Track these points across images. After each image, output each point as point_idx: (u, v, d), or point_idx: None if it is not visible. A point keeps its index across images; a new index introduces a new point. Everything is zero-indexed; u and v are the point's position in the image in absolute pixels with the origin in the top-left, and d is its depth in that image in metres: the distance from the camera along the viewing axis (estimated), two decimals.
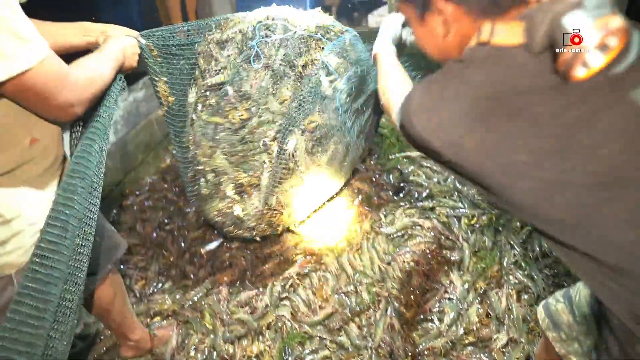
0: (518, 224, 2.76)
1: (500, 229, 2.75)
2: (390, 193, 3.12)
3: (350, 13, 5.44)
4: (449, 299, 2.45)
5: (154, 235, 3.00)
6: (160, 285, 2.71)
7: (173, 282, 2.72)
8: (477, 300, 2.40)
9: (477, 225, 2.80)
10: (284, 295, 2.49)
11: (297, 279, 2.56)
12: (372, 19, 5.05)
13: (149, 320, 2.48)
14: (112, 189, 3.22)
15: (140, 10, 5.66)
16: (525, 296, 2.39)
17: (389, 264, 2.65)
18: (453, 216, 2.87)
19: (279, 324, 2.36)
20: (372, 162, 3.43)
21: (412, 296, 2.48)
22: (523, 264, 2.52)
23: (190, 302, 2.54)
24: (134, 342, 2.20)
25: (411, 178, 3.23)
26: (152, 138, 3.65)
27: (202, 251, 2.80)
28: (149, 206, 3.23)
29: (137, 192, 3.38)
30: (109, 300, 1.97)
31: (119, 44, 1.62)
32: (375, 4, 5.52)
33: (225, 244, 2.86)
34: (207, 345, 2.31)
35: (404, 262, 2.65)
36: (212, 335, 2.35)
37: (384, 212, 2.97)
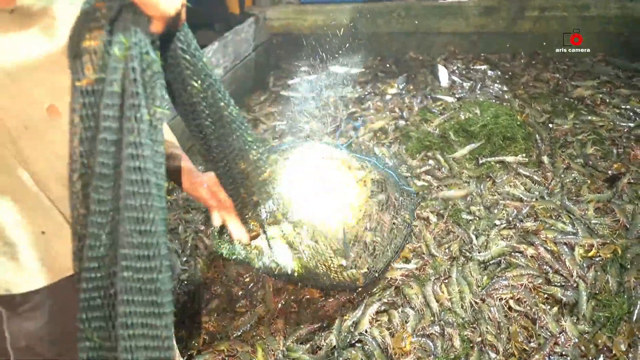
0: None
1: (628, 266, 2.18)
2: (483, 208, 2.57)
3: None
4: (562, 354, 1.93)
5: (198, 242, 2.59)
6: (204, 304, 2.30)
7: (220, 301, 2.31)
8: None
9: (598, 259, 2.23)
10: (356, 335, 2.03)
11: (372, 315, 2.08)
12: None
13: (190, 351, 2.08)
14: None
15: None
16: None
17: (483, 300, 2.15)
18: (563, 243, 2.32)
19: None
20: (460, 167, 2.88)
21: (512, 345, 1.98)
22: None
23: (239, 332, 2.12)
24: None
25: (506, 189, 2.67)
26: None
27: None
28: (194, 205, 2.82)
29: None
30: None
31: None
32: None
33: None
34: None
35: (502, 299, 2.14)
36: None
37: (476, 232, 2.44)
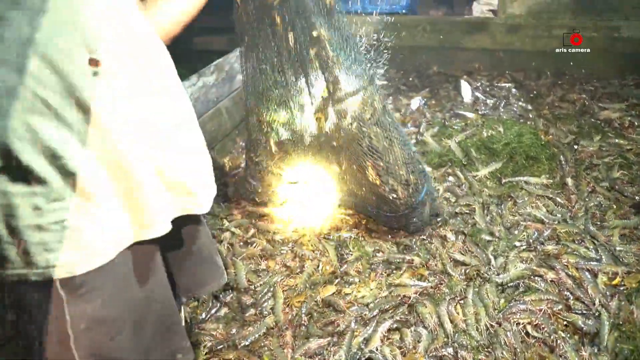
0: None
1: None
2: (503, 228, 2.50)
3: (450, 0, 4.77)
4: None
5: None
6: (214, 310, 2.27)
7: (229, 308, 2.27)
8: None
9: (622, 288, 2.14)
10: (366, 352, 1.97)
11: (383, 333, 2.03)
12: (478, 7, 4.36)
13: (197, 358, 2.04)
14: None
15: None
16: None
17: (499, 324, 2.07)
18: (585, 270, 2.23)
19: None
20: (481, 185, 2.81)
21: None
22: None
23: (247, 342, 2.07)
24: None
25: (528, 210, 2.60)
26: (220, 129, 3.22)
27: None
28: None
29: None
30: None
31: None
32: None
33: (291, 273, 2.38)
34: None
35: (519, 323, 2.06)
36: None
37: (494, 253, 2.37)
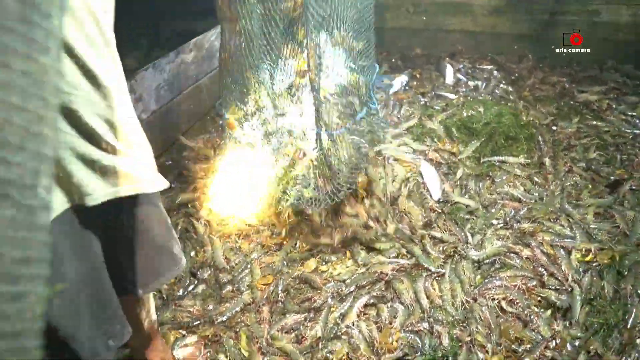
0: None
1: (625, 272, 2.13)
2: (481, 206, 2.52)
3: None
4: (552, 359, 1.88)
5: (188, 225, 2.54)
6: (192, 287, 2.26)
7: (206, 285, 2.26)
8: None
9: (594, 264, 2.18)
10: (343, 327, 1.98)
11: (360, 308, 2.03)
12: None
13: (173, 333, 2.02)
14: None
15: None
16: None
17: (474, 299, 2.10)
18: (560, 247, 2.27)
19: None
20: (460, 164, 2.82)
21: (502, 347, 1.93)
22: None
23: (224, 318, 2.07)
24: None
25: (506, 189, 2.62)
26: (199, 107, 3.17)
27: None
28: (187, 187, 2.76)
29: (177, 171, 2.91)
30: (133, 321, 1.51)
31: None
32: None
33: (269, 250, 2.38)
34: None
35: (494, 299, 2.09)
36: None
37: (472, 230, 2.39)
